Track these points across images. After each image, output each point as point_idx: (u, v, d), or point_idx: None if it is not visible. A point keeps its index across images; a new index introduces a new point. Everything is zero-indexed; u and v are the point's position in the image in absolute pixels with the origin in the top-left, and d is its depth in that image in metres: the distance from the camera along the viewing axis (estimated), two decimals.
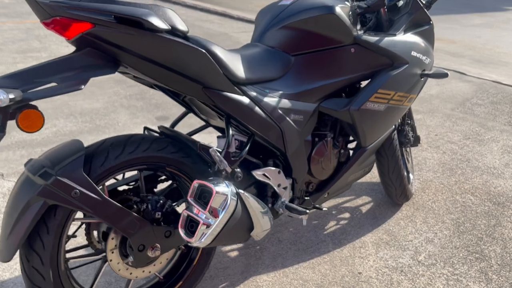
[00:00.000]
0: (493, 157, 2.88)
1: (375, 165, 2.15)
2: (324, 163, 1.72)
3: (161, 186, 1.57)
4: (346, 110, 1.66)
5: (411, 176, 2.29)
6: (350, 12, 1.66)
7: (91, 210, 1.18)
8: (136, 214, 1.28)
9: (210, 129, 1.78)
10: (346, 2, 1.71)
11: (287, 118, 1.53)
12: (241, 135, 1.53)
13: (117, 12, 1.12)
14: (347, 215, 2.21)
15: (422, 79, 1.90)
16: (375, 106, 1.71)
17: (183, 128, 1.95)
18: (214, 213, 1.25)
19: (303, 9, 1.59)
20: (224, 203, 1.25)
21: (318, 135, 1.71)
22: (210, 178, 1.32)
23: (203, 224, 1.23)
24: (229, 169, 1.34)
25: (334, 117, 1.72)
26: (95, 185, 1.18)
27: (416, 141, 2.25)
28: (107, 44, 1.15)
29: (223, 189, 1.26)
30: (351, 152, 1.87)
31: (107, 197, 1.20)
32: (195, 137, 1.60)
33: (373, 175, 2.55)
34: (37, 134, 2.89)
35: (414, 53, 1.80)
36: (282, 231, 2.06)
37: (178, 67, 1.25)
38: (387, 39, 1.71)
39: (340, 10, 1.59)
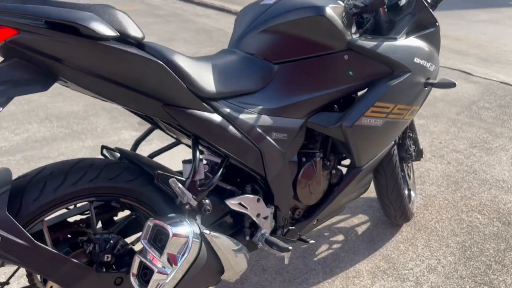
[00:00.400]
0: (502, 168, 2.65)
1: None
2: (313, 186, 1.50)
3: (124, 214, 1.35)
4: (337, 127, 1.43)
5: (412, 194, 2.06)
6: (344, 13, 1.43)
7: (17, 260, 0.96)
8: (75, 261, 1.06)
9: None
10: (340, 1, 1.48)
11: (268, 138, 1.30)
12: (213, 157, 1.31)
13: (47, 16, 0.90)
14: (340, 237, 1.99)
15: (426, 88, 1.67)
16: (372, 122, 1.48)
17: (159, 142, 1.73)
18: (172, 260, 1.03)
19: (288, 9, 1.36)
20: (184, 248, 1.03)
21: (305, 154, 1.49)
22: (170, 215, 1.10)
23: (159, 273, 1.02)
24: (194, 202, 1.13)
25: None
26: (22, 228, 0.96)
27: (419, 155, 2.03)
28: (38, 54, 0.92)
29: (183, 230, 1.04)
30: (344, 170, 1.65)
31: (37, 243, 0.98)
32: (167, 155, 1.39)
33: (371, 189, 2.33)
34: (4, 141, 2.67)
35: (417, 60, 1.57)
36: (267, 257, 1.84)
37: (130, 82, 1.03)
38: (387, 44, 1.48)
39: (331, 11, 1.36)
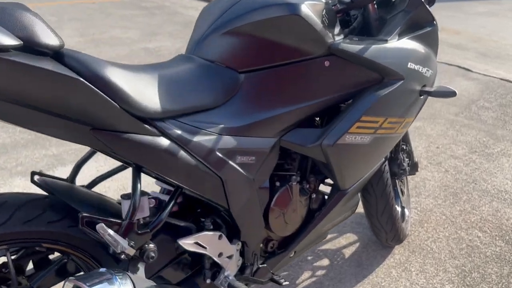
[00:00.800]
0: (504, 177, 2.44)
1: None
2: (288, 215, 1.28)
3: None
4: (317, 146, 1.21)
5: (406, 211, 1.85)
6: (325, 11, 1.19)
7: None
8: None
9: None
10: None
11: (231, 163, 1.08)
12: (164, 187, 1.09)
13: None
14: (325, 261, 1.77)
15: (422, 97, 1.45)
16: (357, 139, 1.26)
17: None
18: None
19: (257, 7, 1.12)
20: None
21: (279, 178, 1.27)
22: (100, 271, 0.87)
23: None
24: (131, 251, 0.90)
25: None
26: None
27: (413, 168, 1.81)
28: None
29: None
30: (327, 190, 1.43)
31: None
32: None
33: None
34: None
35: (411, 65, 1.34)
36: None
37: (43, 104, 0.80)
38: (376, 47, 1.25)
39: (308, 9, 1.12)
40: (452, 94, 1.39)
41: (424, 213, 2.10)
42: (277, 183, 1.25)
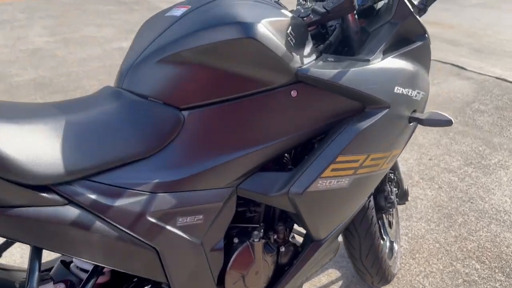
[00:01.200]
0: (502, 193, 2.23)
1: None
2: (250, 277, 1.05)
3: None
4: (283, 194, 0.98)
5: (395, 246, 1.63)
6: (291, 28, 0.96)
7: None
8: None
9: None
10: (285, 11, 1.01)
11: (168, 227, 0.85)
12: (81, 265, 0.86)
13: None
14: None
15: (411, 124, 1.22)
16: (333, 183, 1.03)
17: None
18: None
19: (201, 27, 0.88)
20: None
21: (237, 232, 1.04)
22: None
23: None
24: None
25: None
26: None
27: (403, 198, 1.59)
28: None
29: None
30: (299, 240, 1.20)
31: None
32: None
33: None
34: None
35: (398, 89, 1.11)
36: None
37: None
38: (355, 70, 1.01)
39: (266, 29, 0.89)
40: (447, 123, 1.16)
41: (415, 241, 1.89)
42: (235, 240, 1.02)
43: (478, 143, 2.74)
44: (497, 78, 3.91)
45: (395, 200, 1.49)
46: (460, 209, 2.10)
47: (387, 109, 1.08)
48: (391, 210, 1.47)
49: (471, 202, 2.15)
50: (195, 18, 0.90)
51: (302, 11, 1.16)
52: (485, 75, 3.96)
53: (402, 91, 1.12)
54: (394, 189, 1.52)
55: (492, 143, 2.75)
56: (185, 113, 0.89)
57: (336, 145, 1.01)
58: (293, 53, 0.94)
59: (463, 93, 3.55)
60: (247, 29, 0.86)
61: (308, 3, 1.19)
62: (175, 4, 1.04)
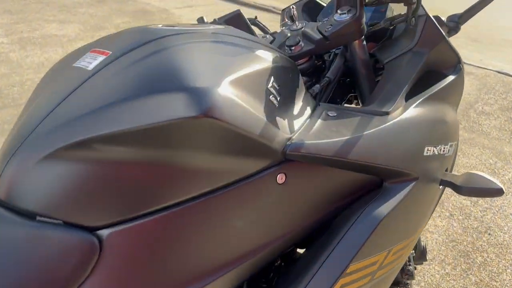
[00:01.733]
0: None
1: None
2: None
3: None
4: None
5: None
6: (273, 78, 0.61)
7: None
8: None
9: None
10: (264, 43, 0.67)
11: None
12: None
13: None
14: None
15: (441, 187, 0.89)
16: None
17: None
18: None
19: (124, 96, 0.53)
20: None
21: None
22: None
23: None
24: None
25: None
26: None
27: (421, 258, 1.26)
28: None
29: None
30: None
31: None
32: None
33: None
34: None
35: (429, 150, 0.77)
36: None
37: None
38: (369, 134, 0.67)
39: (231, 96, 0.53)
40: (497, 193, 0.83)
41: None
42: None
43: (488, 154, 2.44)
44: (498, 72, 3.62)
45: (413, 271, 1.17)
46: (477, 244, 1.80)
47: (415, 182, 0.74)
48: (408, 284, 1.15)
49: (489, 234, 1.85)
50: (115, 77, 0.55)
51: (289, 35, 0.82)
52: (486, 69, 3.67)
53: (433, 151, 0.79)
54: (411, 255, 1.20)
55: (503, 153, 2.45)
56: (103, 233, 0.54)
57: (344, 250, 0.67)
58: (278, 120, 0.60)
59: (465, 92, 3.23)
60: (200, 102, 0.51)
61: (297, 22, 0.84)
62: (97, 39, 0.68)
